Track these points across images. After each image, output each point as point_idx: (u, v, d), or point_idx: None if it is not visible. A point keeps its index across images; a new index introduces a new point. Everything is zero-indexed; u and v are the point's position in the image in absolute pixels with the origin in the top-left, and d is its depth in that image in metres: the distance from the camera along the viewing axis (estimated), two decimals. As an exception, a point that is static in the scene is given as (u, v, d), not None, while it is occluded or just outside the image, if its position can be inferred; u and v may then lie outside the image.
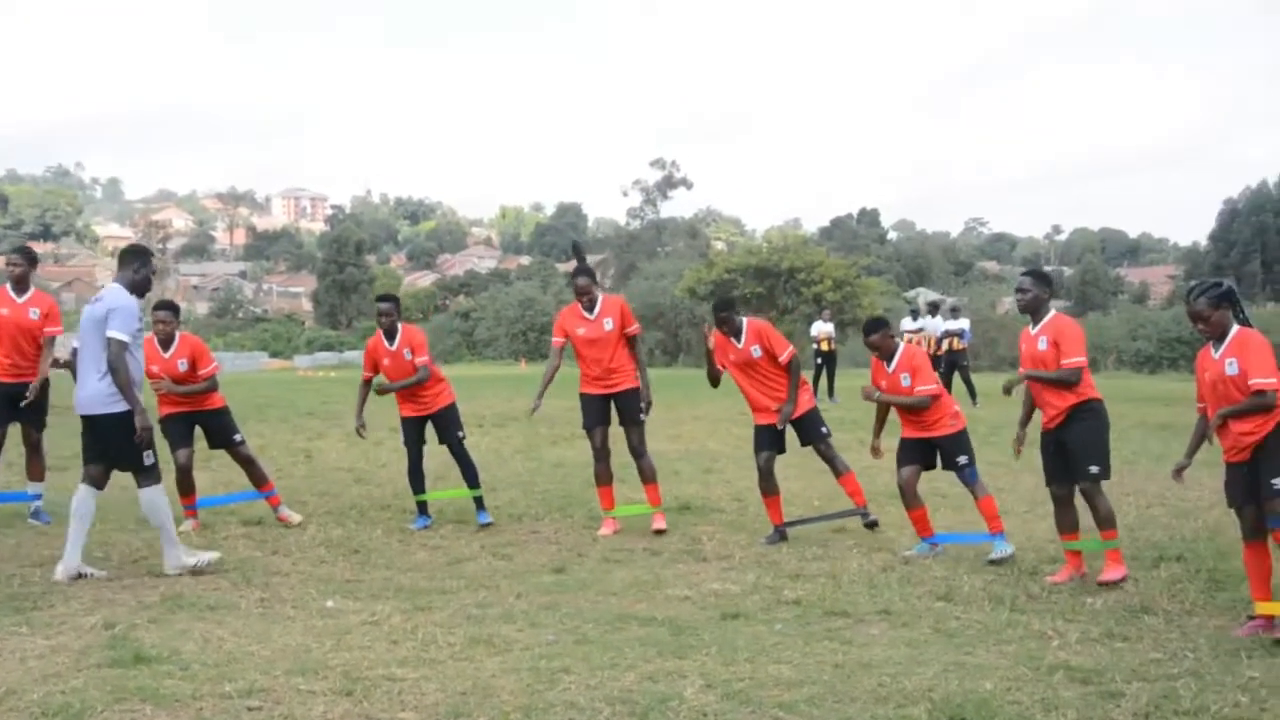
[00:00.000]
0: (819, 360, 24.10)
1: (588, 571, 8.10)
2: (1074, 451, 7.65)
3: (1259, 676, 5.52)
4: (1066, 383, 7.63)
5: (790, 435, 9.29)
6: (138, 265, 7.93)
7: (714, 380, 9.48)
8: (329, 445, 15.84)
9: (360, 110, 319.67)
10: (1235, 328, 6.51)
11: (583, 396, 9.70)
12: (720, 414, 18.79)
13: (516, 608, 6.97)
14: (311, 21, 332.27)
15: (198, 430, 9.85)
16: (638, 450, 9.61)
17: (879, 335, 8.77)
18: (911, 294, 63.17)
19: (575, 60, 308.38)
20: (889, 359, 8.74)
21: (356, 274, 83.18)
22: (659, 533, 9.42)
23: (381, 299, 10.07)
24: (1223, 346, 6.48)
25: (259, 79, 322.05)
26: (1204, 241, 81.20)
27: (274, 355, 64.22)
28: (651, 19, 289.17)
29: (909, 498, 8.61)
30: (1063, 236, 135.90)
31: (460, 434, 10.08)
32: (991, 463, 13.21)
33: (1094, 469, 7.62)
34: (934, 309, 24.56)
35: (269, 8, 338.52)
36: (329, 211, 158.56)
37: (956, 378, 22.04)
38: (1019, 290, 8.03)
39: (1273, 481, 6.24)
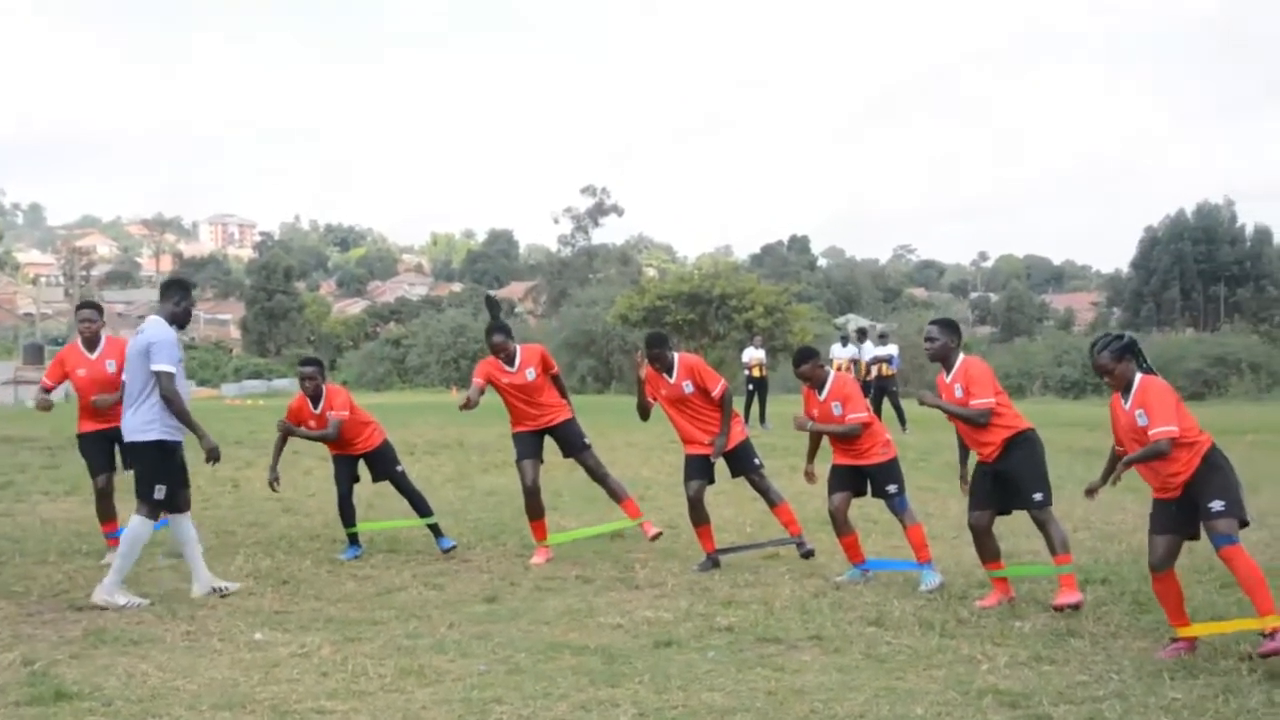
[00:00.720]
0: (750, 387, 24.20)
1: (520, 600, 8.06)
2: (1016, 482, 7.74)
3: (1180, 697, 5.61)
4: (975, 422, 7.76)
5: (721, 465, 9.32)
6: (179, 297, 8.15)
7: (644, 413, 9.51)
8: (257, 475, 15.61)
9: (289, 135, 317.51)
10: (1139, 376, 6.70)
11: (516, 434, 9.71)
12: (652, 441, 18.78)
13: (448, 638, 6.91)
14: (236, 43, 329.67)
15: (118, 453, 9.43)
16: (599, 474, 9.72)
17: (809, 365, 8.82)
18: (841, 320, 63.75)
19: (507, 85, 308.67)
20: (820, 388, 8.79)
21: (285, 301, 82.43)
22: (655, 538, 9.56)
23: (304, 363, 9.96)
24: (1130, 397, 6.68)
25: (186, 103, 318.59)
26: (1126, 268, 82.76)
27: (201, 383, 63.42)
28: (584, 48, 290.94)
29: (840, 524, 8.66)
30: (989, 263, 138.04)
31: (399, 468, 10.03)
32: (921, 488, 13.35)
33: (1038, 496, 7.72)
34: (863, 335, 24.77)
35: (192, 31, 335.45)
36: (257, 238, 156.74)
37: (886, 404, 22.24)
38: (927, 339, 8.09)
39: (1210, 505, 6.37)
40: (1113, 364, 6.72)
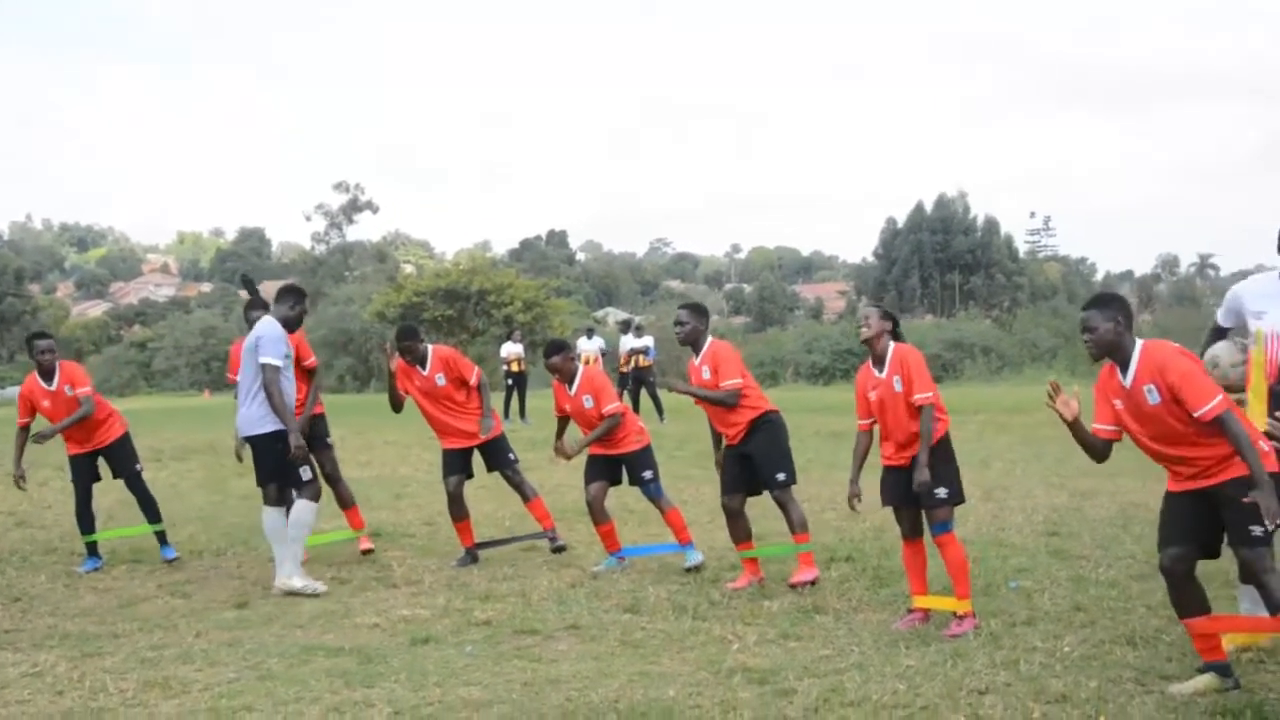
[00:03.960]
0: (509, 382, 24.20)
1: (273, 605, 7.86)
2: (759, 462, 8.00)
3: (914, 664, 5.92)
4: (725, 404, 7.98)
5: (480, 461, 9.30)
6: (292, 302, 8.66)
7: (396, 405, 9.39)
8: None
9: (17, 130, 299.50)
10: (892, 345, 6.95)
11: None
12: (410, 439, 18.57)
13: (195, 647, 6.70)
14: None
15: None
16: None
17: (560, 357, 8.87)
18: (600, 314, 64.39)
19: (253, 78, 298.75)
20: (570, 381, 8.87)
21: (17, 305, 77.74)
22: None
23: (38, 336, 9.54)
24: (885, 367, 6.91)
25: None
26: (870, 258, 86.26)
27: (-78, 394, 59.25)
28: (333, 43, 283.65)
29: (596, 513, 8.77)
30: (742, 255, 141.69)
31: (137, 467, 9.64)
32: (677, 475, 13.64)
33: (781, 476, 7.99)
34: (625, 327, 25.13)
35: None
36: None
37: (644, 394, 22.59)
38: (677, 323, 8.26)
39: (935, 491, 6.72)
40: (877, 320, 6.94)
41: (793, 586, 7.77)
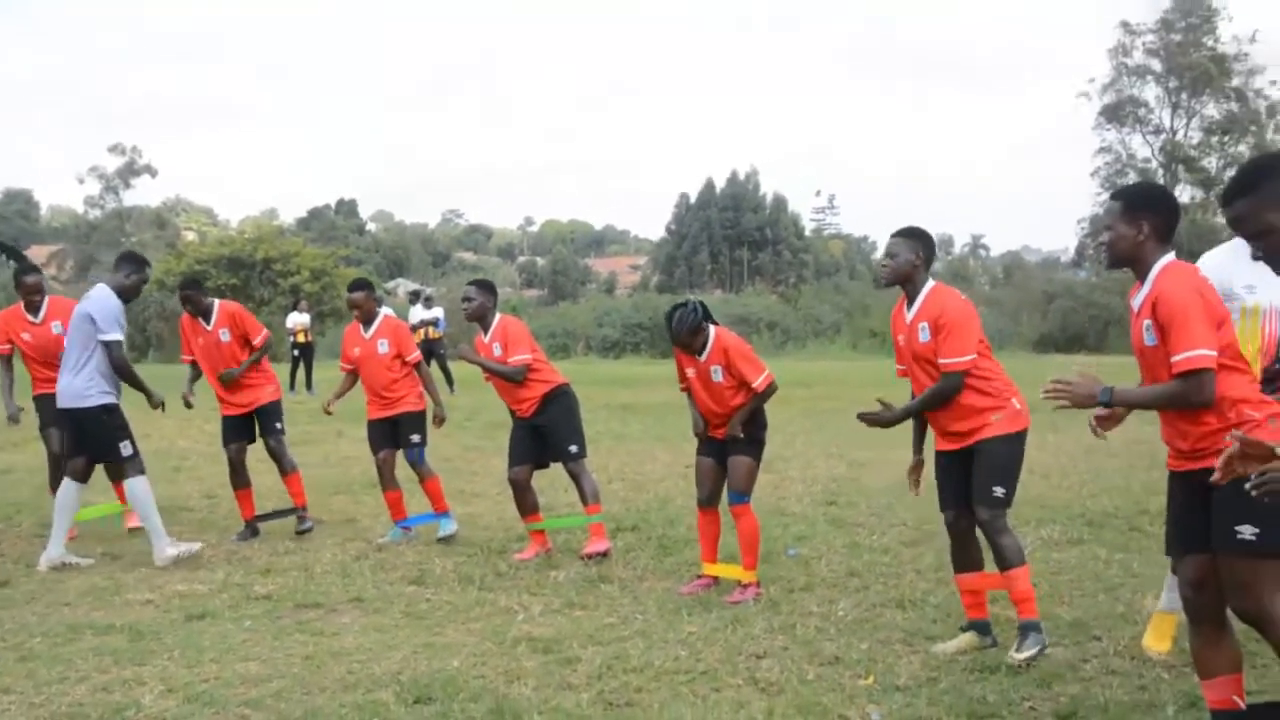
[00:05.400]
0: (295, 352, 23.68)
1: (37, 583, 7.50)
2: (552, 436, 8.02)
3: (696, 630, 6.05)
4: (514, 379, 7.99)
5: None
6: (129, 270, 8.25)
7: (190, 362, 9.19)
8: None
9: None
10: (712, 330, 6.91)
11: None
12: (192, 411, 18.01)
13: (-50, 629, 6.35)
14: None
15: None
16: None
17: (363, 294, 8.76)
18: (391, 285, 63.40)
19: (25, 29, 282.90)
20: (368, 323, 8.74)
21: None
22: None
23: None
24: (706, 353, 6.87)
25: None
26: (663, 233, 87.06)
27: None
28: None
29: (385, 479, 8.74)
30: (535, 228, 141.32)
31: None
32: (467, 447, 13.60)
33: (574, 448, 8.03)
34: (415, 298, 24.88)
35: None
36: None
37: (434, 366, 22.38)
38: (465, 299, 8.24)
39: (742, 458, 6.85)
40: (690, 339, 6.85)
41: (584, 558, 7.83)
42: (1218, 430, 3.98)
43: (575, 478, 8.10)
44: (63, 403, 8.08)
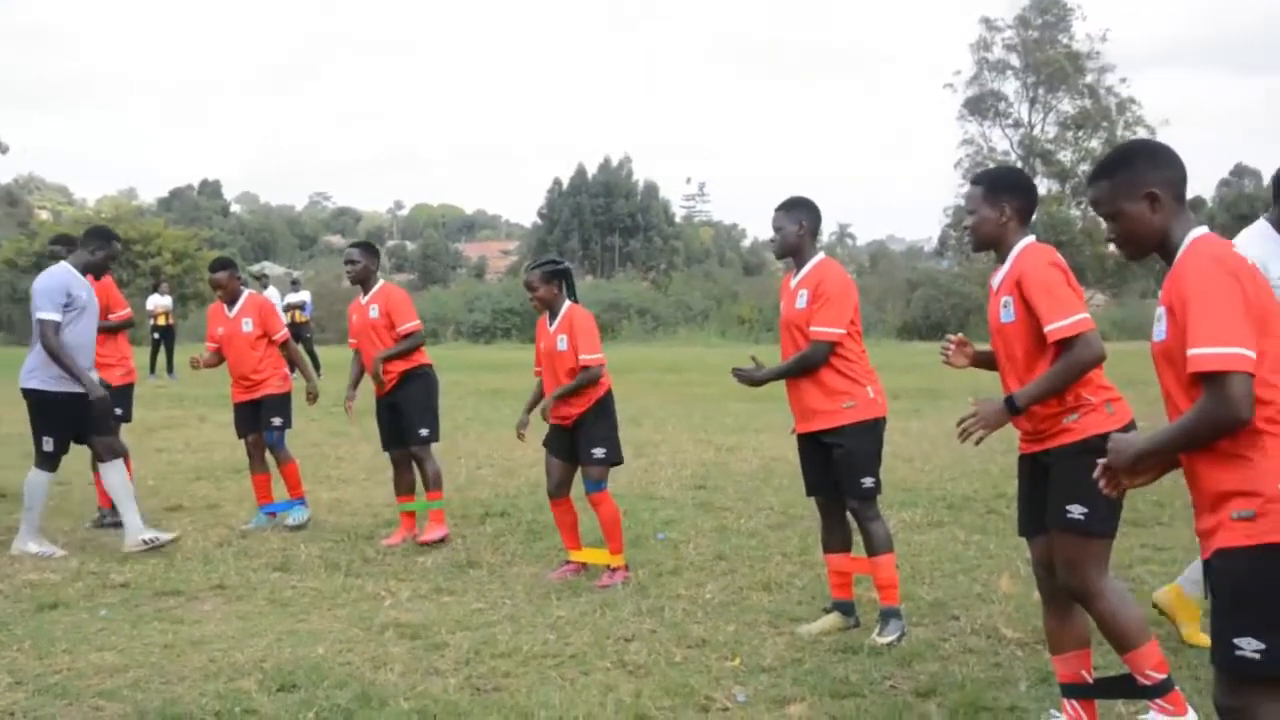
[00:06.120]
0: (156, 336, 23.10)
1: (-122, 574, 7.19)
2: (404, 414, 7.95)
3: (565, 614, 6.06)
4: (407, 353, 7.91)
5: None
6: (95, 246, 7.96)
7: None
8: None
9: None
10: (566, 304, 6.98)
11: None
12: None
13: None
14: None
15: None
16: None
17: (225, 274, 8.64)
18: (256, 268, 62.08)
19: None
20: (231, 302, 8.59)
21: None
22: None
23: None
24: (556, 322, 6.92)
25: None
26: (535, 219, 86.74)
27: None
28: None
29: (255, 462, 8.65)
30: (405, 212, 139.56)
31: None
32: (333, 432, 13.41)
33: (423, 432, 7.97)
34: (295, 286, 24.56)
35: None
36: None
37: (301, 350, 22.03)
38: (348, 262, 8.20)
39: (592, 451, 6.84)
40: (540, 284, 6.89)
41: (422, 544, 7.76)
42: (1059, 413, 4.12)
43: (418, 460, 8.03)
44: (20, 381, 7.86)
